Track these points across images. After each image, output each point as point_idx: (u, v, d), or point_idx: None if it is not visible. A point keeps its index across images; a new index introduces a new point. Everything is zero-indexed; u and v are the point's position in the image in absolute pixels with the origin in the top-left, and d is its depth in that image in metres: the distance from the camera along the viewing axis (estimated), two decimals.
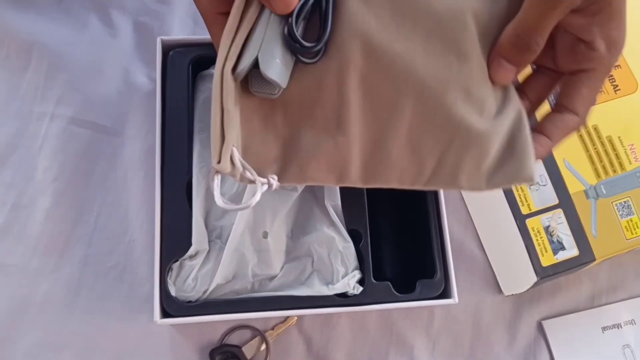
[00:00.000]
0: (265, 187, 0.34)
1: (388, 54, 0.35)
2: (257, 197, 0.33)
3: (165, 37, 0.44)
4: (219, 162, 0.32)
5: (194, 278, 0.41)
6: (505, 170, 0.35)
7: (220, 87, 0.33)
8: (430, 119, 0.36)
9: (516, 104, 0.37)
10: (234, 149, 0.33)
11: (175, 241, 0.41)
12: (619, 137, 0.48)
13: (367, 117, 0.36)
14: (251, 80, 0.34)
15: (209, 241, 0.42)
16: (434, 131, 0.36)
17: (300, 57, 0.33)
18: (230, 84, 0.33)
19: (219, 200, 0.32)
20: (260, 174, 0.34)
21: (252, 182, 0.34)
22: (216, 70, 0.32)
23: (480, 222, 0.50)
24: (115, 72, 0.50)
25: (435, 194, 0.45)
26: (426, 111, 0.36)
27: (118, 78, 0.50)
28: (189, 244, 0.41)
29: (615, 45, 0.34)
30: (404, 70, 0.35)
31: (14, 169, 0.47)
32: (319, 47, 0.33)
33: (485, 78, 0.36)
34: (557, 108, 0.37)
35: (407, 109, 0.35)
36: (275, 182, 0.34)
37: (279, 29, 0.33)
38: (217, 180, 0.33)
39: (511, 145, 0.36)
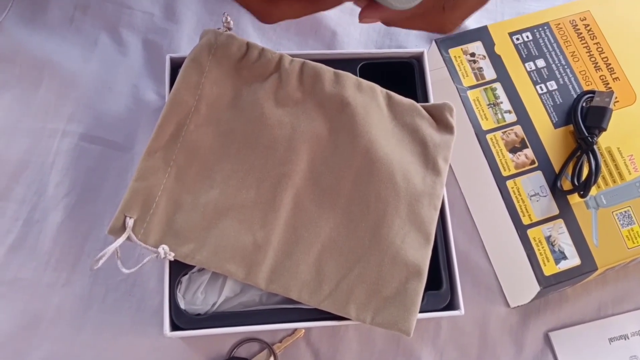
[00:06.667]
0: (155, 255, 0.39)
1: (324, 181, 0.42)
2: (144, 261, 0.38)
3: (173, 55, 0.45)
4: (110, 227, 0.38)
5: (203, 291, 0.41)
6: (389, 315, 0.39)
7: (138, 169, 0.40)
8: (340, 246, 0.41)
9: (422, 263, 0.41)
10: (127, 218, 0.39)
11: None
12: (618, 148, 0.49)
13: (288, 229, 0.41)
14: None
15: None
16: (341, 257, 0.41)
17: None
18: (150, 163, 0.40)
19: (119, 265, 0.38)
20: (157, 245, 0.39)
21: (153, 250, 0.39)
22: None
23: (485, 233, 0.51)
24: (125, 89, 0.51)
25: (441, 206, 0.45)
26: (339, 239, 0.41)
27: (128, 95, 0.51)
28: None
29: None
30: (333, 200, 0.42)
31: (26, 184, 0.48)
32: None
33: (408, 224, 0.41)
34: None
35: (323, 233, 0.41)
36: (164, 252, 0.38)
37: None
38: (115, 244, 0.38)
39: (402, 295, 0.40)
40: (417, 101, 0.46)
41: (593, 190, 0.47)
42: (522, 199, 0.47)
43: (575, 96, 0.50)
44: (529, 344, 0.48)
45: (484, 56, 0.52)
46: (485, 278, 0.50)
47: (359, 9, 0.38)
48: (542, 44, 0.52)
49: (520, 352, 0.48)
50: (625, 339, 0.48)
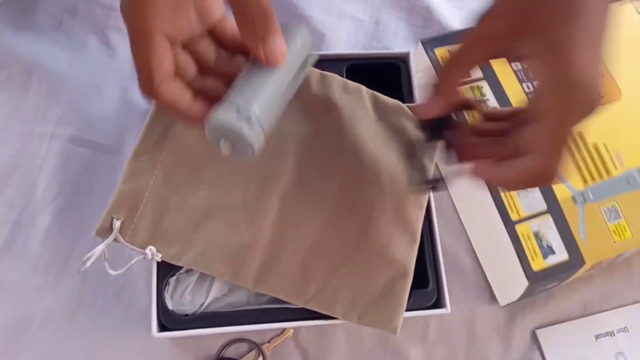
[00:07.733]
0: (142, 257, 0.39)
1: (311, 182, 0.42)
2: (132, 262, 0.39)
3: None
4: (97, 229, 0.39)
5: (191, 292, 0.42)
6: (376, 314, 0.40)
7: (125, 171, 0.40)
8: (327, 247, 0.41)
9: (408, 262, 0.41)
10: (115, 220, 0.38)
11: None
12: (604, 144, 0.49)
13: (275, 230, 0.41)
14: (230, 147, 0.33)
15: None
16: (327, 258, 0.41)
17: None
18: (137, 166, 0.40)
19: (107, 266, 0.38)
20: (144, 246, 0.39)
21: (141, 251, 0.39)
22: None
23: (473, 232, 0.51)
24: (114, 92, 0.52)
25: (427, 205, 0.46)
26: (326, 240, 0.41)
27: (116, 98, 0.52)
28: None
29: None
30: (319, 201, 0.42)
31: (15, 187, 0.48)
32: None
33: (394, 224, 0.41)
34: None
35: (310, 233, 0.41)
36: (151, 253, 0.39)
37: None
38: (102, 245, 0.38)
39: (388, 294, 0.40)
40: (403, 102, 0.46)
41: (580, 186, 0.48)
42: (510, 194, 0.47)
43: None
44: (517, 341, 0.49)
45: None
46: (472, 277, 0.50)
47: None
48: None
49: (508, 349, 0.48)
50: (611, 336, 0.49)
